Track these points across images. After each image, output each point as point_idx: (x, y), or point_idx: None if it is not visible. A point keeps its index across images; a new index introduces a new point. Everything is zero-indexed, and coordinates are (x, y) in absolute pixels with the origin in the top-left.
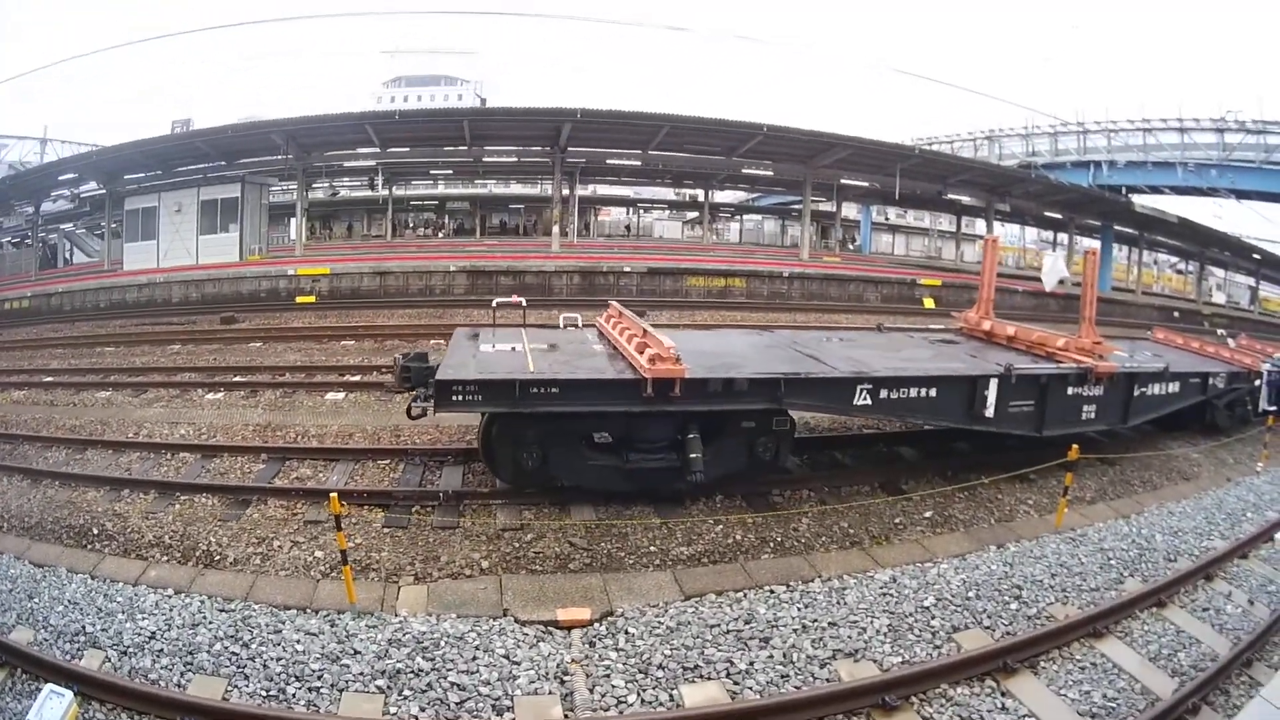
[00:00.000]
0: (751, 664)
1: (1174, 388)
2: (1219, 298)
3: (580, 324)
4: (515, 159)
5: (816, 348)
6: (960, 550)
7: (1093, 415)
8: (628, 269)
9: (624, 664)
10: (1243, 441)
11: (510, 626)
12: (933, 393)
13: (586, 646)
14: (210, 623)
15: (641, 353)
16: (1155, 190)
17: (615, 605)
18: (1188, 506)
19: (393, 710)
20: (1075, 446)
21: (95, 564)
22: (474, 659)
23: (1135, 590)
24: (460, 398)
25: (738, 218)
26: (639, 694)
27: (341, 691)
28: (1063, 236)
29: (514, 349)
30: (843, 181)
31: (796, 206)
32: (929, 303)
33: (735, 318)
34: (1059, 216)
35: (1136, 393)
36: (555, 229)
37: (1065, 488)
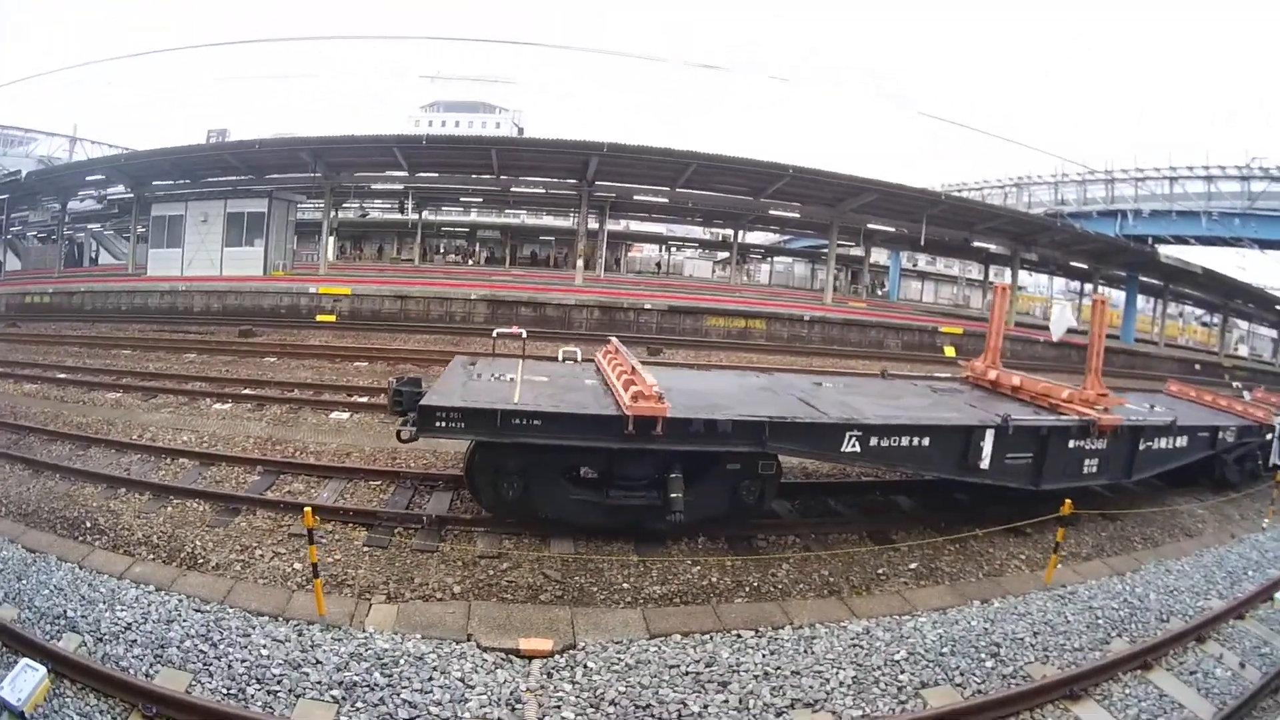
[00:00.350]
0: (705, 707)
1: (1182, 442)
2: (1242, 350)
3: (579, 358)
4: (543, 190)
5: (812, 392)
6: (942, 604)
7: (1095, 469)
8: (648, 306)
9: (577, 697)
10: (1251, 497)
11: (472, 651)
12: (925, 442)
13: (544, 677)
14: (184, 620)
15: (627, 390)
16: (1180, 240)
17: (579, 639)
18: (1187, 564)
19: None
20: (1069, 501)
21: (85, 555)
22: (430, 679)
23: (1121, 651)
24: (444, 424)
25: (769, 259)
26: None
27: (298, 697)
28: (1092, 287)
29: (506, 379)
30: (869, 227)
31: (826, 250)
32: (950, 351)
33: (752, 359)
34: (1085, 266)
35: (1142, 446)
36: (580, 263)
37: (1056, 543)
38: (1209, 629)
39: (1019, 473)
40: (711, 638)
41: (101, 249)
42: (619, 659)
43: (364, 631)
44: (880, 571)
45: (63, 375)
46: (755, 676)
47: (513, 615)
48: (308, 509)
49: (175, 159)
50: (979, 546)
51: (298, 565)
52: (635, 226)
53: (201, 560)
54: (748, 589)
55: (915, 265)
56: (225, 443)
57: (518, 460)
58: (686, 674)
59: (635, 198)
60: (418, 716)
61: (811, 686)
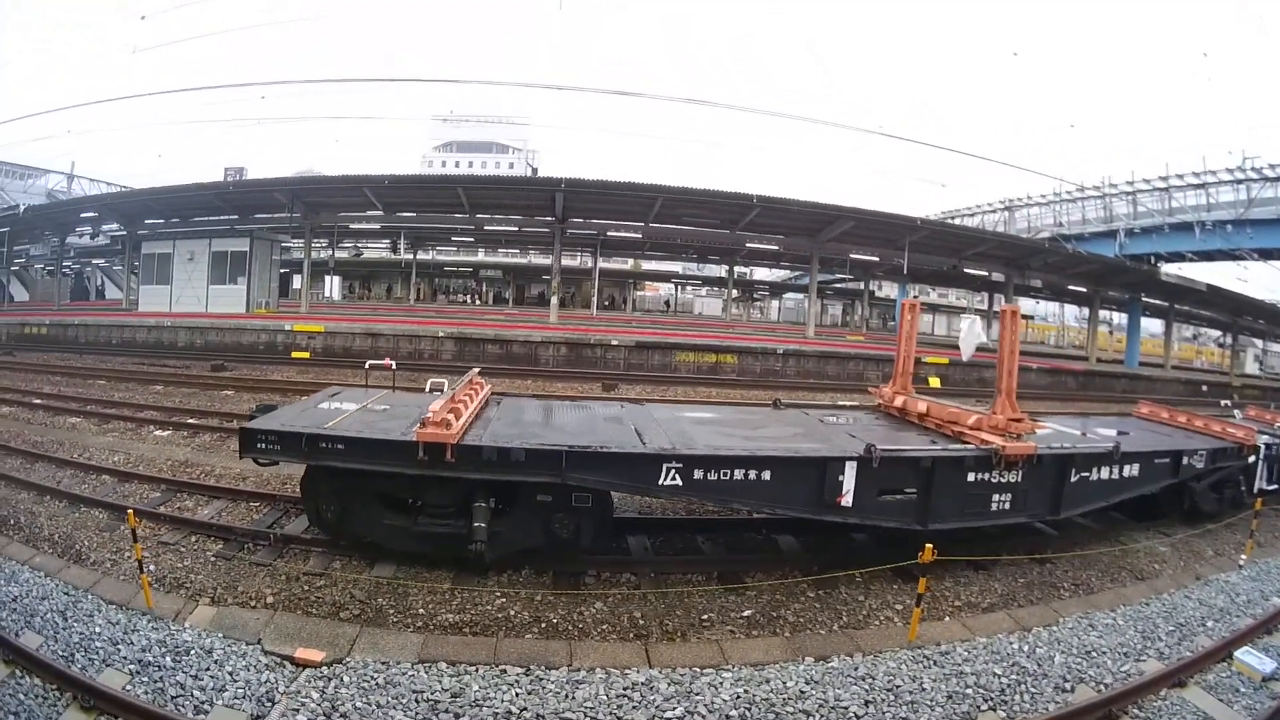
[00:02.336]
0: None
1: (1131, 470)
2: (1255, 368)
3: (446, 389)
4: (515, 228)
5: (665, 423)
6: (763, 659)
7: (1007, 506)
8: (615, 342)
9: (316, 705)
10: (1232, 528)
11: (253, 652)
12: (765, 475)
13: (305, 683)
14: (53, 599)
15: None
16: (1178, 256)
17: (353, 656)
18: (1123, 616)
19: (128, 687)
20: (930, 547)
21: (2, 546)
22: (205, 669)
23: None
24: (263, 446)
25: (778, 296)
26: None
27: (107, 665)
28: (1093, 311)
29: (343, 407)
30: (852, 256)
31: (837, 285)
32: (934, 382)
33: (711, 394)
34: (1085, 290)
35: (1074, 478)
36: (554, 300)
37: (919, 595)
38: (1127, 701)
39: (899, 511)
40: (477, 669)
41: (108, 282)
42: (373, 678)
43: (181, 625)
44: (706, 616)
45: (38, 400)
46: (495, 714)
47: (306, 627)
48: (130, 511)
49: (163, 199)
50: (848, 593)
51: (152, 567)
52: (649, 266)
53: (84, 556)
54: (544, 625)
55: (919, 297)
56: (147, 464)
57: (333, 483)
58: (425, 701)
59: (609, 233)
60: (181, 695)
61: None
